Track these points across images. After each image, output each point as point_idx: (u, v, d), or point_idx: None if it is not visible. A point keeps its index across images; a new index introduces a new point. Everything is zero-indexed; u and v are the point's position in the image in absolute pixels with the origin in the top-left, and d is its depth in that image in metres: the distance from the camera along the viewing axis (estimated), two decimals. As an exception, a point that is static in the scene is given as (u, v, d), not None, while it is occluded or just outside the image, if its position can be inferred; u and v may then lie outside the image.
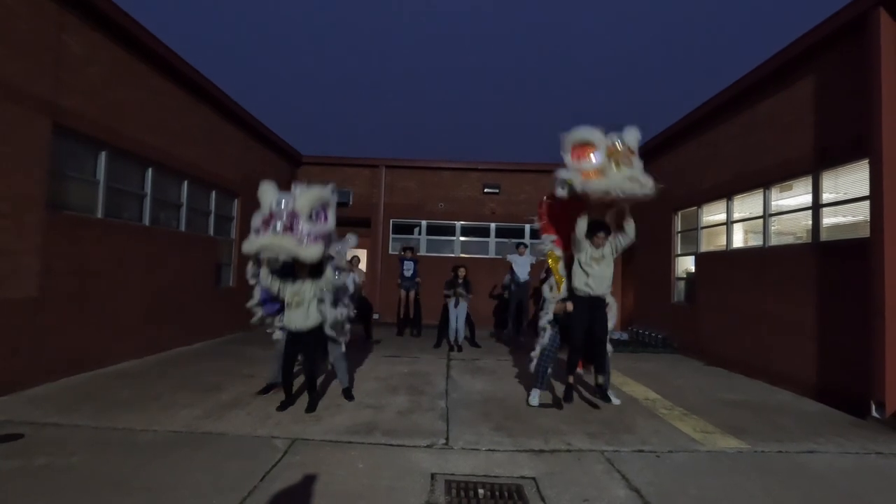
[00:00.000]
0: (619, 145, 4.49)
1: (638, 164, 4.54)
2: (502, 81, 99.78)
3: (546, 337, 5.04)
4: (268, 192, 4.52)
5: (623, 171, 4.38)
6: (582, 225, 4.63)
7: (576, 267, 4.78)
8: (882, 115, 4.89)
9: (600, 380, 4.95)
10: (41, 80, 5.13)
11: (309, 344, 4.76)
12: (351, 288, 6.40)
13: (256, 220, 4.48)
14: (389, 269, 12.57)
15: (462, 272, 8.76)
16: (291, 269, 4.68)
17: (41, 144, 5.13)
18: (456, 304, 8.58)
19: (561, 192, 4.63)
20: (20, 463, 3.20)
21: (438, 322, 9.04)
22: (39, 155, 5.11)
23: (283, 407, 4.63)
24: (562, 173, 4.58)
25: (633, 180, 4.36)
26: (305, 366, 4.85)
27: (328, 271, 4.73)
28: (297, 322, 4.65)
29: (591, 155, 4.46)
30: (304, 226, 4.35)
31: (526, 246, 9.74)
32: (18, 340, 4.89)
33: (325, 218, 4.60)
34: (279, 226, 4.29)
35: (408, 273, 9.64)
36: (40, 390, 4.92)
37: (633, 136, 4.62)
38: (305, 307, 4.66)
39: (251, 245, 4.39)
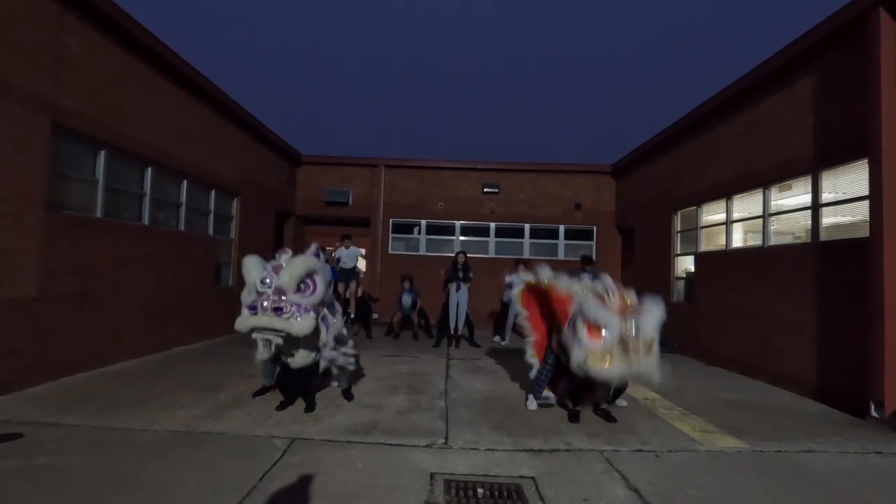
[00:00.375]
0: (633, 334, 4.08)
1: (651, 357, 4.13)
2: (502, 81, 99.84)
3: (549, 358, 4.97)
4: (252, 270, 4.37)
5: (629, 363, 4.07)
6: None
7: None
8: (881, 115, 4.89)
9: (603, 405, 4.85)
10: (41, 80, 5.12)
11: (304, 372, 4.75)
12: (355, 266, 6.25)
13: (245, 298, 4.37)
14: (389, 269, 12.58)
15: (461, 258, 8.92)
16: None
17: (41, 144, 5.13)
18: (458, 289, 8.68)
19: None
20: (19, 463, 3.20)
21: (438, 321, 9.07)
22: (39, 155, 5.11)
23: (282, 407, 4.63)
24: (571, 338, 4.34)
25: (637, 376, 4.19)
26: (303, 374, 4.78)
27: (322, 333, 4.68)
28: (292, 363, 4.63)
29: (603, 336, 4.11)
30: (291, 299, 4.24)
31: (525, 264, 9.71)
32: (18, 340, 4.88)
33: (314, 288, 4.45)
34: (266, 304, 4.19)
35: (406, 304, 9.71)
36: (40, 390, 4.92)
37: (653, 319, 4.15)
38: (302, 357, 4.62)
39: (243, 324, 4.28)
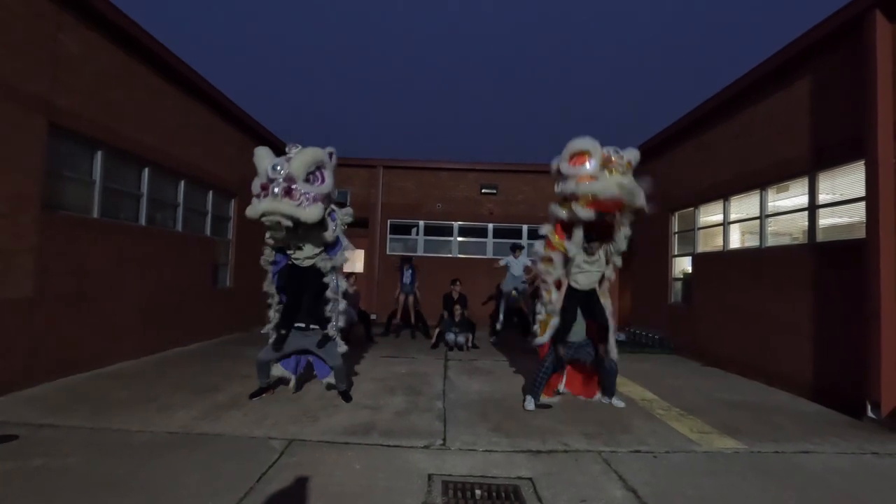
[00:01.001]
0: (615, 156, 4.67)
1: (630, 178, 4.71)
2: (501, 81, 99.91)
3: (547, 359, 5.09)
4: (263, 158, 4.53)
5: (615, 177, 4.57)
6: (578, 235, 4.94)
7: (572, 265, 5.11)
8: (878, 117, 4.91)
9: (604, 400, 5.26)
10: (37, 80, 5.11)
11: (310, 282, 4.99)
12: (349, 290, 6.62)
13: (256, 186, 4.55)
14: (387, 269, 12.57)
15: (455, 293, 8.94)
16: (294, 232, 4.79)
17: (37, 144, 5.11)
18: (456, 319, 8.73)
19: (560, 214, 4.96)
20: (16, 464, 3.19)
21: (437, 323, 9.07)
22: (35, 154, 5.09)
23: (277, 344, 4.96)
24: (560, 185, 4.82)
25: (623, 187, 4.55)
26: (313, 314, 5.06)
27: (328, 231, 4.92)
28: (299, 258, 4.94)
29: (587, 161, 4.66)
30: (301, 188, 4.40)
31: (522, 248, 9.95)
32: (14, 341, 4.86)
33: (322, 179, 4.64)
34: (277, 190, 4.33)
35: (406, 280, 9.91)
36: (36, 391, 4.90)
37: (631, 154, 4.84)
38: (308, 252, 4.96)
39: (254, 210, 4.46)
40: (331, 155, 4.80)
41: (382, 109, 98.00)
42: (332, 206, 5.04)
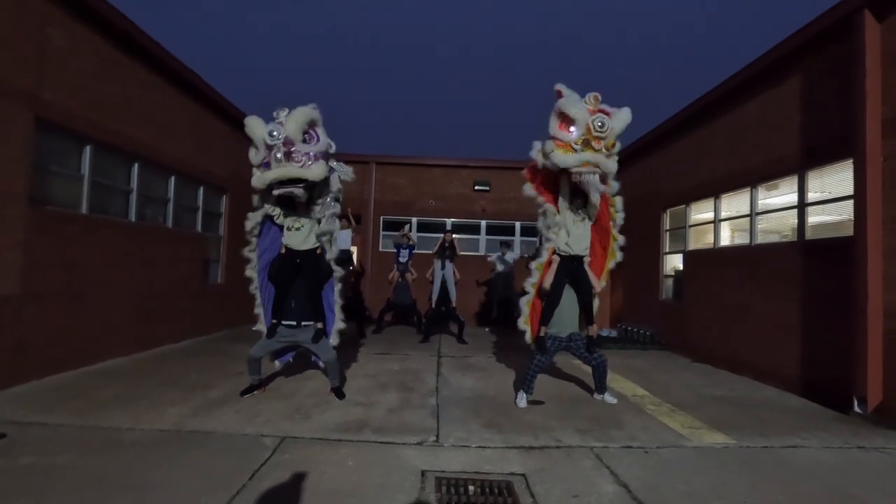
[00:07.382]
0: (597, 130, 4.48)
1: (610, 160, 4.62)
2: (497, 79, 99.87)
3: (537, 355, 5.11)
4: (257, 128, 4.59)
5: (587, 154, 4.49)
6: (564, 189, 4.96)
7: (562, 230, 5.08)
8: (866, 116, 4.96)
9: (596, 396, 5.31)
10: (24, 73, 5.02)
11: (306, 270, 5.01)
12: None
13: (255, 157, 4.66)
14: (379, 266, 12.53)
15: (448, 238, 9.46)
16: (290, 203, 4.91)
17: (24, 138, 5.03)
18: (443, 266, 9.21)
19: (541, 161, 4.87)
20: (4, 463, 3.15)
21: (426, 317, 9.11)
22: (22, 149, 5.01)
23: (270, 334, 4.96)
24: (546, 140, 4.73)
25: (592, 166, 4.52)
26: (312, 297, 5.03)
27: (334, 182, 5.17)
28: (294, 242, 4.97)
29: (571, 128, 4.55)
30: (300, 149, 4.51)
31: (509, 246, 10.71)
32: (1, 338, 4.79)
33: (317, 137, 4.75)
34: (280, 156, 4.45)
35: (402, 259, 9.97)
36: (24, 389, 4.84)
37: (621, 120, 4.63)
38: (305, 232, 5.00)
39: (261, 180, 4.57)
40: (314, 109, 4.84)
41: (377, 107, 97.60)
42: (332, 165, 5.17)
